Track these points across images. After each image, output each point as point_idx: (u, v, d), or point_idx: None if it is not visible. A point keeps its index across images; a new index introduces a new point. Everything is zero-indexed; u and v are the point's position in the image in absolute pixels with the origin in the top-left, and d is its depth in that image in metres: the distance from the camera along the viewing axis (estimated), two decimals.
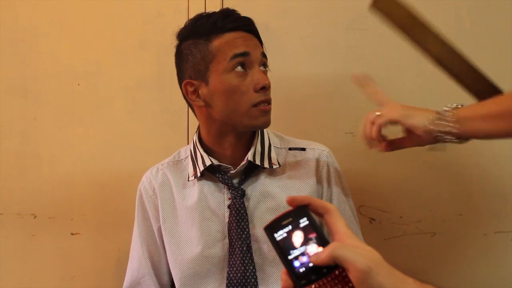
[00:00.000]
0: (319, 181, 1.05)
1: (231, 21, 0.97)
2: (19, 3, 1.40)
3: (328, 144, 1.13)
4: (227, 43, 0.96)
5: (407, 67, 1.33)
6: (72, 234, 1.45)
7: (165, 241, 1.06)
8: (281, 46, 1.33)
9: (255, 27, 1.02)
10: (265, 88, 0.97)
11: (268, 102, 0.98)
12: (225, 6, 1.33)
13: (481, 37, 1.28)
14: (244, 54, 0.96)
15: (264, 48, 1.03)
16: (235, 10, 1.01)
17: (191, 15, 1.33)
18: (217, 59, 0.96)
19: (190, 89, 1.00)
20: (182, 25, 1.05)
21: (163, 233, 1.06)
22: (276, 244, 0.52)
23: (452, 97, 1.33)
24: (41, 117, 1.43)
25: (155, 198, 1.07)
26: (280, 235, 0.52)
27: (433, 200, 1.33)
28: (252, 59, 0.97)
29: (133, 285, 1.10)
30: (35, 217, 1.45)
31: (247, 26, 1.00)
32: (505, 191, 1.30)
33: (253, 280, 0.97)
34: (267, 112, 0.98)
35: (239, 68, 0.96)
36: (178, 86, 1.07)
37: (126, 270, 1.13)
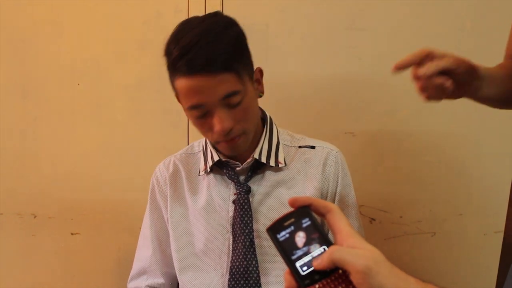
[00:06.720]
0: (325, 179, 1.05)
1: (185, 64, 0.86)
2: (19, 3, 1.39)
3: None
4: (182, 91, 0.90)
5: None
6: (72, 234, 1.45)
7: (170, 232, 1.08)
8: (281, 46, 1.33)
9: (217, 64, 0.86)
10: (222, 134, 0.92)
11: (232, 138, 0.94)
12: (225, 6, 1.34)
13: (481, 37, 1.28)
14: (198, 106, 0.90)
15: (238, 73, 0.89)
16: (196, 46, 0.85)
17: (191, 15, 1.34)
18: (180, 98, 0.94)
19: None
20: None
21: (169, 223, 1.08)
22: (279, 245, 0.52)
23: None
24: (41, 117, 1.43)
25: (166, 188, 1.09)
26: (282, 236, 0.52)
27: (433, 200, 1.33)
28: (208, 108, 0.91)
29: (140, 274, 1.11)
30: (35, 217, 1.45)
31: (203, 69, 0.86)
32: (505, 191, 1.30)
33: (255, 275, 0.98)
34: (234, 144, 0.95)
35: (198, 115, 0.92)
36: None
37: (134, 259, 1.14)
